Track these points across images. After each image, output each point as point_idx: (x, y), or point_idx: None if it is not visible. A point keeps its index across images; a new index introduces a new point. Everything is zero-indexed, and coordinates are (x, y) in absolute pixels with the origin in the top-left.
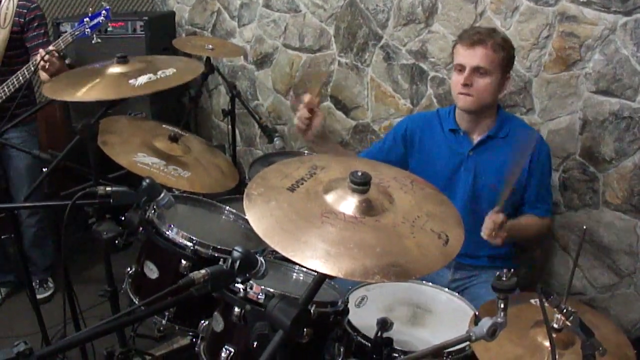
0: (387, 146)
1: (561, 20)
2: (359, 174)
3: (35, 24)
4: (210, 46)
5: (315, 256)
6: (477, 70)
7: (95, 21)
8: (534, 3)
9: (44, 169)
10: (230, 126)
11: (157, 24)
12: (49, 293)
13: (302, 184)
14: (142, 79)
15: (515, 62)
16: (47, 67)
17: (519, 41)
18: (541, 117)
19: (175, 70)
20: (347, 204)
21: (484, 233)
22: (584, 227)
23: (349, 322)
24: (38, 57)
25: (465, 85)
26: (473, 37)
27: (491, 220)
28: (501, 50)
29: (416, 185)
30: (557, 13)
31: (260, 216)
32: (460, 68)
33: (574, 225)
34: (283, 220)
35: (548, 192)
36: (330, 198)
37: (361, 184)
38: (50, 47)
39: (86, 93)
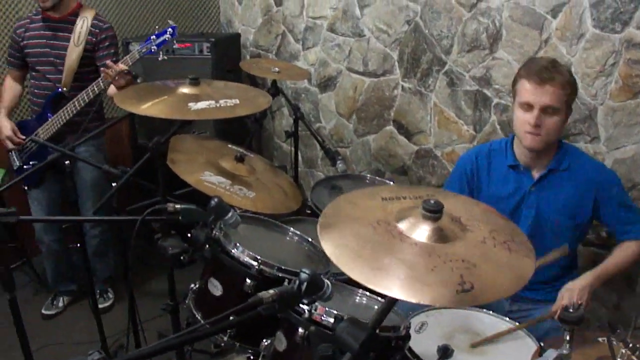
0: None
1: (627, 48)
2: (432, 201)
3: (107, 44)
4: (277, 69)
5: (389, 283)
6: (546, 110)
7: (162, 39)
8: (600, 30)
9: (113, 184)
10: (293, 148)
11: (223, 46)
12: (108, 303)
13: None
14: (201, 105)
15: (580, 90)
16: (116, 78)
17: (584, 68)
18: (606, 146)
19: (237, 101)
20: (420, 231)
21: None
22: None
23: (409, 347)
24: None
25: (537, 126)
26: (542, 74)
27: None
28: (569, 86)
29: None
30: (623, 40)
31: (335, 245)
32: (528, 106)
33: None
34: (358, 247)
35: (632, 212)
36: (403, 225)
37: (434, 211)
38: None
39: (148, 108)
